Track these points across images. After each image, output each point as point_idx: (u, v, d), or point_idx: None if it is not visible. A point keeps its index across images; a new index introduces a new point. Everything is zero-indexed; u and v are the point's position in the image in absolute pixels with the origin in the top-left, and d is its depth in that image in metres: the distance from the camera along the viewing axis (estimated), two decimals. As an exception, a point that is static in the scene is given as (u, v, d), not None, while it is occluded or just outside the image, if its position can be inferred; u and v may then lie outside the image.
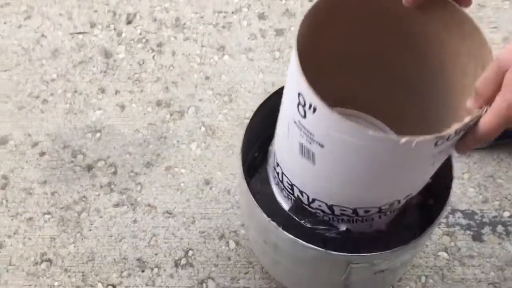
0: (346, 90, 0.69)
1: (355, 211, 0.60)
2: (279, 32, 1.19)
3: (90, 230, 0.95)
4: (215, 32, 1.19)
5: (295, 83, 0.51)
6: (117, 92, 1.12)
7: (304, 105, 0.50)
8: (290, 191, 0.66)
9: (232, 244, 0.93)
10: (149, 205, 0.98)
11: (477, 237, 0.94)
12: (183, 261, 0.92)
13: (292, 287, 0.85)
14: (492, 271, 0.90)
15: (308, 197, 0.65)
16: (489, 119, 0.44)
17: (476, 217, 0.96)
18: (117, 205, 0.98)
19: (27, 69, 1.15)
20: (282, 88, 0.60)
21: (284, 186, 0.69)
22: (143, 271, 0.91)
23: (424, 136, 0.45)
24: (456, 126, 0.45)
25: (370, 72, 0.66)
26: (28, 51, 1.17)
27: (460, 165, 1.02)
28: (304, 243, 0.64)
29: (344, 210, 0.61)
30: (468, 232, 0.95)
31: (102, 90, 1.12)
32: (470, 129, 0.46)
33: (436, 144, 0.46)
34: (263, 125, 0.74)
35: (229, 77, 1.14)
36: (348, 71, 0.66)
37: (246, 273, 0.90)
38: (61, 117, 1.08)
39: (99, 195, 0.99)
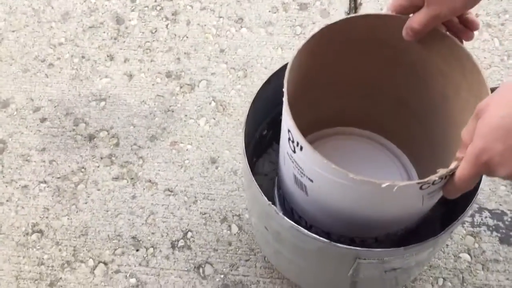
0: (358, 111, 0.72)
1: (352, 239, 0.54)
2: (303, 7, 1.11)
3: (86, 203, 0.89)
4: (234, 3, 1.11)
5: (285, 119, 0.51)
6: (126, 60, 1.06)
7: (293, 141, 0.52)
8: (291, 214, 0.61)
9: (235, 229, 0.87)
10: (150, 181, 0.91)
11: (505, 240, 0.85)
12: (181, 243, 0.85)
13: (295, 279, 0.78)
14: (519, 279, 0.82)
15: (306, 223, 0.63)
16: (461, 168, 0.45)
17: (505, 218, 0.87)
18: (116, 178, 0.92)
19: (35, 31, 1.09)
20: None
21: (285, 209, 0.70)
22: (137, 250, 0.85)
23: (406, 182, 0.47)
24: (441, 172, 0.46)
25: (377, 96, 0.68)
26: (38, 12, 1.12)
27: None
28: (306, 232, 0.57)
29: (341, 237, 0.55)
30: (495, 233, 0.86)
31: (111, 58, 1.06)
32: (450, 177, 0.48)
33: (421, 188, 0.47)
34: (273, 99, 0.66)
35: (245, 51, 1.06)
36: (357, 94, 0.69)
37: (247, 260, 0.84)
38: (66, 83, 1.03)
39: (98, 166, 0.93)
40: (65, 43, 1.08)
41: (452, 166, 0.46)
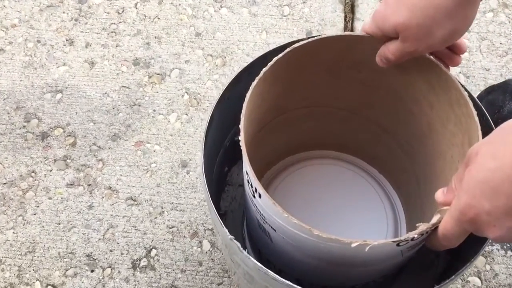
0: (338, 135, 0.66)
1: (325, 287, 0.44)
2: (292, -17, 0.97)
3: (34, 214, 0.77)
4: (213, -21, 0.97)
5: (244, 160, 0.45)
6: (87, 45, 0.92)
7: (251, 186, 0.46)
8: (259, 255, 0.51)
9: (206, 245, 0.74)
10: (110, 188, 0.79)
11: (521, 261, 0.73)
12: (143, 262, 0.73)
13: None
14: (538, 308, 0.70)
15: (275, 267, 0.56)
16: (445, 222, 0.39)
17: (521, 234, 0.74)
18: (71, 185, 0.79)
19: (-16, 11, 0.96)
20: (283, 47, 0.50)
21: (253, 248, 0.62)
22: (92, 271, 0.73)
23: (380, 240, 0.40)
24: (421, 227, 0.41)
25: (356, 121, 0.62)
26: (-11, -11, 0.98)
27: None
28: (277, 277, 0.44)
29: (312, 286, 0.46)
30: (510, 253, 0.73)
31: (70, 42, 0.92)
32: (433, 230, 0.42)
33: (398, 245, 0.42)
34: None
35: (225, 35, 0.92)
36: (335, 118, 0.63)
37: (219, 284, 0.72)
38: (18, 72, 0.89)
39: (51, 170, 0.80)
40: (19, 24, 0.94)
41: (434, 220, 0.40)
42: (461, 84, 0.51)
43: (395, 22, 0.45)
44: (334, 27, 0.94)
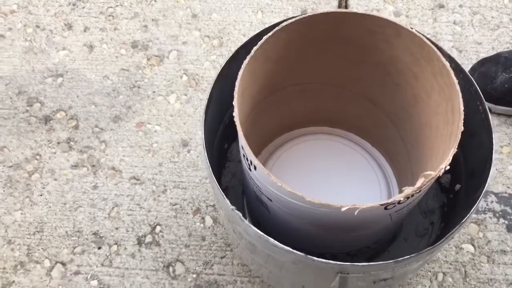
0: (331, 110, 0.67)
1: (321, 255, 0.48)
2: (286, -38, 0.98)
3: (41, 195, 0.79)
4: (207, -40, 0.98)
5: (239, 135, 0.47)
6: (86, 29, 0.93)
7: (247, 159, 0.47)
8: (258, 226, 0.53)
9: (209, 221, 0.77)
10: (113, 168, 0.81)
11: (513, 228, 0.75)
12: (148, 239, 0.76)
13: (274, 284, 0.69)
14: (529, 272, 0.72)
15: (274, 237, 0.57)
16: None
17: (513, 202, 0.77)
18: (75, 166, 0.81)
19: (-17, -2, 0.97)
20: (274, 25, 0.51)
21: (253, 219, 0.65)
22: (99, 248, 0.75)
23: (368, 204, 0.42)
24: (406, 191, 0.43)
25: (348, 96, 0.64)
26: (-14, -24, 0.99)
27: (499, 136, 0.82)
28: (277, 243, 0.47)
29: (310, 253, 0.48)
30: (502, 221, 0.76)
31: (69, 26, 0.94)
32: None
33: (386, 208, 0.44)
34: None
35: (221, 16, 0.94)
36: (327, 94, 0.64)
37: (222, 257, 0.74)
38: (18, 57, 0.91)
39: (55, 153, 0.83)
40: (18, 10, 0.95)
41: (419, 183, 0.43)
42: (448, 55, 0.53)
43: None
44: (328, 5, 0.95)
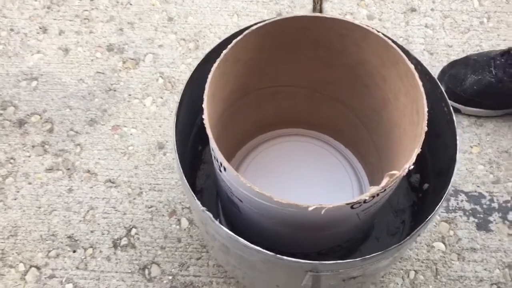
0: (304, 112, 0.68)
1: (293, 254, 0.49)
2: (261, -34, 0.99)
3: (15, 199, 0.79)
4: (183, -37, 0.99)
5: (209, 138, 0.47)
6: (61, 32, 0.93)
7: (217, 161, 0.48)
8: (231, 227, 0.54)
9: (185, 223, 0.77)
10: (88, 171, 0.81)
11: (483, 226, 0.77)
12: (124, 241, 0.76)
13: (249, 286, 0.70)
14: (497, 269, 0.74)
15: (247, 238, 0.57)
16: None
17: (483, 201, 0.79)
18: (50, 169, 0.81)
19: (-44, 1, 0.96)
20: (244, 29, 0.52)
21: (226, 220, 0.66)
22: (74, 251, 0.75)
23: (334, 203, 0.43)
24: (372, 190, 0.44)
25: (319, 99, 0.65)
26: (-41, -21, 0.98)
27: (469, 136, 0.84)
28: (246, 243, 0.47)
29: (282, 253, 0.49)
30: (472, 219, 0.78)
31: (44, 30, 0.93)
32: None
33: (352, 207, 0.44)
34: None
35: (197, 19, 0.94)
36: (299, 96, 0.65)
37: (198, 258, 0.75)
38: (-8, 61, 0.90)
39: (29, 156, 0.82)
40: (-9, 14, 0.95)
41: (383, 183, 0.44)
42: (415, 57, 0.54)
43: None
44: (303, 9, 0.97)
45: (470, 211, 0.78)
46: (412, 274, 0.74)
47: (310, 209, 0.43)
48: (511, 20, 0.95)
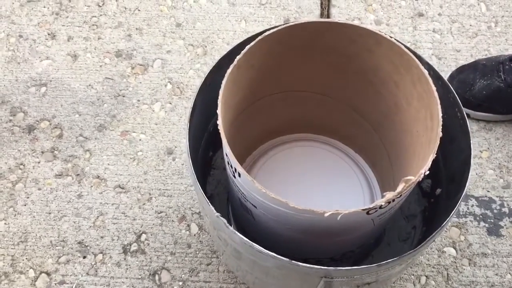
0: (314, 118, 0.68)
1: (306, 260, 0.48)
2: (269, -28, 0.99)
3: (25, 205, 0.79)
4: (191, -30, 0.99)
5: (223, 143, 0.47)
6: (69, 38, 0.93)
7: (231, 167, 0.48)
8: (244, 233, 0.54)
9: (195, 228, 0.77)
10: (98, 177, 0.81)
11: (494, 231, 0.77)
12: (134, 247, 0.76)
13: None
14: (509, 274, 0.74)
15: (259, 244, 0.57)
16: None
17: (494, 205, 0.79)
18: (60, 175, 0.81)
19: (-35, 7, 0.96)
20: (257, 35, 0.52)
21: (238, 225, 0.65)
22: (84, 257, 0.75)
23: (351, 209, 0.43)
24: (388, 195, 0.44)
25: (331, 104, 0.65)
26: (-32, -14, 0.98)
27: (478, 141, 0.84)
28: (261, 249, 0.47)
29: (295, 258, 0.49)
30: (482, 224, 0.77)
31: (52, 36, 0.94)
32: None
33: (368, 213, 0.44)
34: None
35: (205, 25, 0.95)
36: (310, 102, 0.65)
37: (208, 264, 0.75)
38: (1, 67, 0.90)
39: (39, 162, 0.82)
40: (0, 20, 0.95)
41: (399, 188, 0.44)
42: (427, 62, 0.54)
43: None
44: (311, 14, 0.97)
45: (480, 216, 0.78)
46: (423, 279, 0.74)
47: (326, 215, 0.42)
48: (519, 24, 0.95)
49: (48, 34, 0.94)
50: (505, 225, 0.77)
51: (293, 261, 0.46)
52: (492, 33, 0.94)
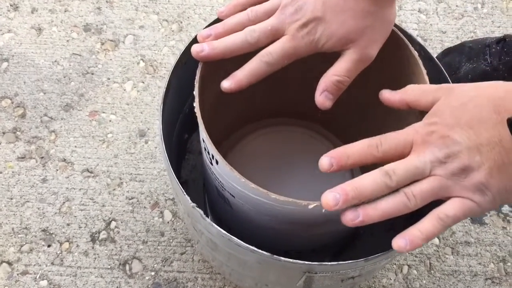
0: (296, 103, 0.65)
1: (286, 252, 0.45)
2: None
3: (-16, 190, 0.73)
4: None
5: (200, 127, 0.44)
6: (34, 10, 0.87)
7: (208, 153, 0.45)
8: (219, 224, 0.51)
9: (168, 215, 0.73)
10: (64, 160, 0.76)
11: (477, 219, 0.75)
12: (103, 235, 0.71)
13: (237, 282, 0.66)
14: (492, 263, 0.72)
15: (236, 234, 0.53)
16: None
17: (477, 193, 0.77)
18: (22, 158, 0.76)
19: None
20: None
21: (214, 216, 0.62)
22: (49, 246, 0.70)
23: None
24: None
25: (314, 88, 0.60)
26: None
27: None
28: (240, 242, 0.43)
29: (275, 251, 0.46)
30: (465, 212, 0.75)
31: (15, 7, 0.87)
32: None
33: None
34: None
35: (181, -1, 0.89)
36: (291, 88, 0.62)
37: (182, 253, 0.71)
38: (-42, 40, 0.84)
39: (0, 143, 0.76)
40: (-43, -11, 0.88)
41: None
42: (418, 42, 0.51)
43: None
44: (292, -9, 0.92)
45: (464, 204, 0.76)
46: (405, 269, 0.71)
47: (310, 207, 0.39)
48: (505, 6, 0.92)
49: (10, 5, 0.87)
50: (489, 213, 0.75)
51: (275, 256, 0.43)
52: (479, 14, 0.91)
